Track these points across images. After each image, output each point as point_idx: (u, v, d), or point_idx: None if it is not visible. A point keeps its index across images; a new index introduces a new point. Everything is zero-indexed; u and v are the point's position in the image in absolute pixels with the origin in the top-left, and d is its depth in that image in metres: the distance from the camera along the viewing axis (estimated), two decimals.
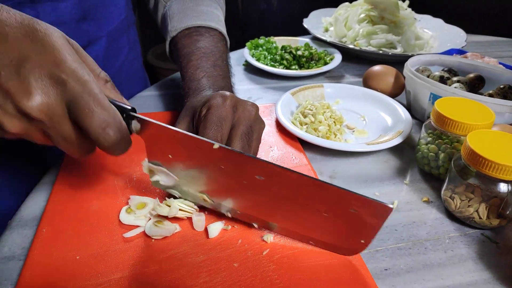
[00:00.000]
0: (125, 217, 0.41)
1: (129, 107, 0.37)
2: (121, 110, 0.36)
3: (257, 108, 0.46)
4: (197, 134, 0.41)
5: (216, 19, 0.63)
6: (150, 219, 0.41)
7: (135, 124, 0.37)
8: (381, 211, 0.34)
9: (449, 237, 0.42)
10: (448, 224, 0.43)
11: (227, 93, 0.44)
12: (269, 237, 0.39)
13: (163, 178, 0.41)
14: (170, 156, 0.39)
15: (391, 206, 0.33)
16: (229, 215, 0.41)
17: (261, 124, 0.46)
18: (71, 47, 0.33)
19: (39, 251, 0.37)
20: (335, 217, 0.36)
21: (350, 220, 0.36)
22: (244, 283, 0.35)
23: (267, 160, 0.37)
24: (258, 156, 0.48)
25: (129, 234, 0.39)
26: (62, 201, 0.43)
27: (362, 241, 0.36)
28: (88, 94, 0.32)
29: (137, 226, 0.40)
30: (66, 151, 0.35)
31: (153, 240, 0.39)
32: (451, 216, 0.44)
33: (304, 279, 0.35)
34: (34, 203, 0.45)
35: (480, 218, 0.41)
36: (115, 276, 0.35)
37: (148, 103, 0.67)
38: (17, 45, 0.30)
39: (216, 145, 0.36)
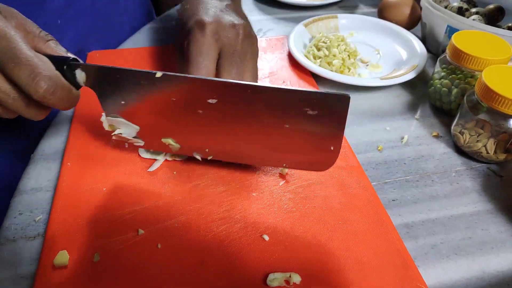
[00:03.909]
0: (144, 151, 0.43)
1: (71, 57, 0.36)
2: (62, 61, 0.35)
3: (242, 26, 0.43)
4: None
5: None
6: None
7: (80, 74, 0.36)
8: (338, 103, 0.32)
9: (455, 170, 0.44)
10: (455, 158, 0.45)
11: (206, 19, 0.41)
12: (284, 170, 0.41)
13: (125, 130, 0.39)
14: (122, 102, 0.37)
15: (347, 94, 0.31)
16: (199, 157, 0.40)
17: (252, 40, 0.44)
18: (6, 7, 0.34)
19: (66, 183, 0.40)
20: (295, 126, 0.34)
21: (311, 125, 0.34)
22: (262, 211, 0.37)
23: (213, 78, 0.34)
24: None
25: (152, 168, 0.41)
26: (82, 136, 0.45)
27: (331, 148, 0.35)
28: (14, 48, 0.32)
29: (156, 160, 0.42)
30: (16, 110, 0.34)
31: (174, 172, 0.41)
32: (459, 150, 0.46)
33: (318, 207, 0.38)
34: (55, 138, 0.46)
35: (488, 153, 0.43)
36: (141, 206, 0.38)
37: (152, 36, 0.66)
38: None
39: (159, 74, 0.34)
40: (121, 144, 0.43)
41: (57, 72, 0.34)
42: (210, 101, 0.34)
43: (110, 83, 0.36)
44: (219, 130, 0.37)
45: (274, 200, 0.38)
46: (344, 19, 0.66)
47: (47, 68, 0.33)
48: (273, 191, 0.39)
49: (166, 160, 0.42)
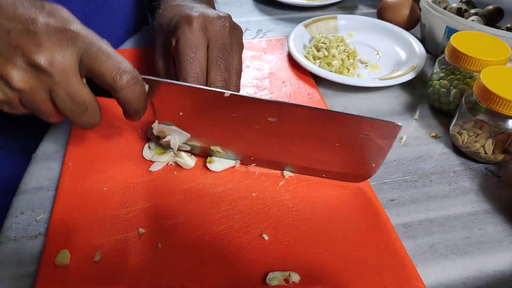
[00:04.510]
0: (148, 153, 0.43)
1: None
2: None
3: (228, 17, 0.43)
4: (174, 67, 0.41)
5: None
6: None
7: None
8: (390, 130, 0.35)
9: (454, 170, 0.44)
10: (454, 159, 0.45)
11: (193, 14, 0.41)
12: (288, 173, 0.42)
13: (175, 137, 0.41)
14: (180, 113, 0.39)
15: (399, 124, 0.34)
16: (238, 164, 0.42)
17: (237, 31, 0.44)
18: (75, 18, 0.34)
19: (68, 183, 0.40)
20: (346, 145, 0.38)
21: (361, 146, 0.37)
22: (262, 211, 0.38)
23: (276, 100, 0.38)
24: (270, 91, 0.48)
25: (153, 167, 0.42)
26: (83, 136, 0.45)
27: (373, 165, 0.38)
28: (99, 44, 0.33)
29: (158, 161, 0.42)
30: (71, 117, 0.35)
31: (175, 172, 0.41)
32: (458, 151, 0.46)
33: (318, 207, 0.38)
34: (56, 138, 0.46)
35: (486, 153, 0.43)
36: (142, 206, 0.38)
37: (150, 39, 0.66)
38: (26, 12, 0.31)
39: (227, 93, 0.36)
40: (123, 143, 0.43)
41: (137, 71, 0.35)
42: (270, 119, 0.37)
43: (171, 97, 0.38)
44: (274, 144, 0.39)
45: (274, 200, 0.39)
46: (343, 20, 0.66)
47: (128, 63, 0.34)
48: (272, 191, 0.40)
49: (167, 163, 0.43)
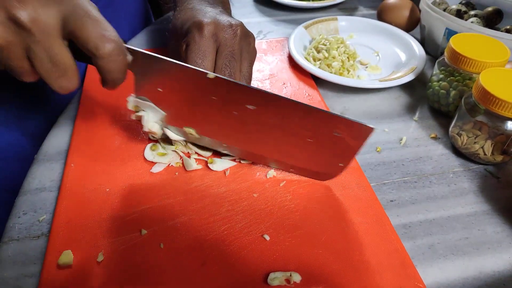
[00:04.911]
0: (150, 155, 0.43)
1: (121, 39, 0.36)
2: None
3: (240, 25, 0.43)
4: None
5: None
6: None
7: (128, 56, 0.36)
8: (363, 132, 0.36)
9: (453, 171, 0.44)
10: (453, 160, 0.46)
11: (205, 20, 0.42)
12: (272, 172, 0.42)
13: (149, 113, 0.40)
14: (159, 89, 0.38)
15: (372, 126, 0.35)
16: (211, 148, 0.42)
17: (249, 39, 0.45)
18: None
19: (70, 184, 0.40)
20: (319, 142, 0.38)
21: (332, 144, 0.37)
22: (263, 211, 0.38)
23: (261, 88, 0.37)
24: (271, 92, 0.48)
25: (155, 169, 0.42)
26: (85, 137, 0.45)
27: (341, 165, 0.39)
28: (87, 7, 0.32)
29: (159, 162, 0.43)
30: (47, 78, 0.33)
31: (176, 173, 0.42)
32: (457, 152, 0.46)
33: (318, 208, 0.39)
34: (58, 139, 0.47)
35: (485, 154, 0.43)
36: (144, 207, 0.38)
37: (152, 38, 0.66)
38: None
39: (211, 75, 0.36)
40: (125, 145, 0.44)
41: (121, 39, 0.34)
42: (249, 106, 0.37)
43: (153, 71, 0.37)
44: (244, 131, 0.39)
45: (275, 201, 0.39)
46: (343, 21, 0.66)
47: (114, 31, 0.33)
48: (273, 191, 0.40)
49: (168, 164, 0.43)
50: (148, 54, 0.36)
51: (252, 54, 0.45)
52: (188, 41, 0.41)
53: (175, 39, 0.45)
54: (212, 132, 0.41)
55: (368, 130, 0.35)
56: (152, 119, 0.41)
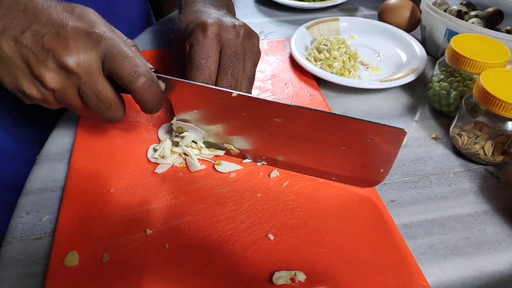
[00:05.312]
0: (153, 157, 0.43)
1: (153, 68, 0.39)
2: None
3: (243, 26, 0.44)
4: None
5: None
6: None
7: (160, 84, 0.39)
8: (395, 136, 0.35)
9: (453, 172, 0.45)
10: (453, 160, 0.46)
11: (208, 21, 0.43)
12: (275, 172, 0.42)
13: (191, 133, 0.43)
14: (195, 111, 0.41)
15: (404, 129, 0.35)
16: (250, 159, 0.44)
17: (253, 39, 0.45)
18: (102, 18, 0.37)
19: (74, 184, 0.40)
20: (353, 149, 0.38)
21: (367, 150, 0.37)
22: (267, 211, 0.38)
23: (283, 101, 0.38)
24: (273, 93, 0.48)
25: (159, 169, 0.42)
26: (88, 138, 0.45)
27: (381, 170, 0.39)
28: (120, 47, 0.35)
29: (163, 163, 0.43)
30: (97, 112, 0.37)
31: (180, 174, 0.42)
32: (457, 152, 0.47)
33: (322, 207, 0.39)
34: (60, 139, 0.47)
35: (485, 154, 0.44)
36: (148, 207, 0.38)
37: (153, 39, 0.66)
38: (58, 17, 0.34)
39: (234, 94, 0.38)
40: (128, 145, 0.44)
41: (153, 73, 0.37)
42: (276, 119, 0.39)
43: (186, 94, 0.40)
44: (282, 144, 0.40)
45: (279, 200, 0.39)
46: (345, 22, 0.67)
47: (145, 65, 0.37)
48: (277, 191, 0.40)
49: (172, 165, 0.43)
50: (178, 80, 0.39)
51: (256, 55, 0.45)
52: (192, 42, 0.42)
53: (180, 40, 0.46)
54: (249, 146, 0.42)
55: (401, 133, 0.35)
56: (196, 139, 0.44)
